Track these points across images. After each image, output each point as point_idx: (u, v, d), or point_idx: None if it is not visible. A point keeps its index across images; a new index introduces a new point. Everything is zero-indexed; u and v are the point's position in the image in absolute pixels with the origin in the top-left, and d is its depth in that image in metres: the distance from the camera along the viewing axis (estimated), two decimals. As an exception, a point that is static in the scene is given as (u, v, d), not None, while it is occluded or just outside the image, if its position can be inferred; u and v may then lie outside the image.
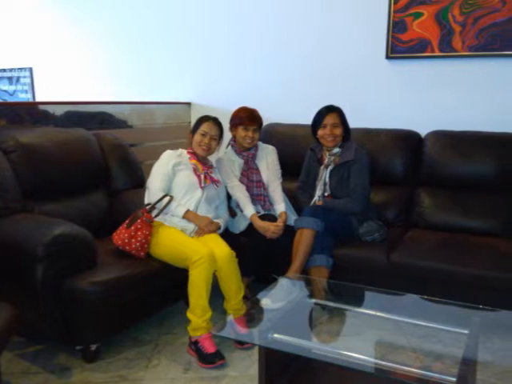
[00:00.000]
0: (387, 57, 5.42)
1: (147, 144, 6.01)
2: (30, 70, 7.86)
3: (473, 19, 4.96)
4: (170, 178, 4.20)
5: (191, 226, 4.14)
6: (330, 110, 4.63)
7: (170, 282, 4.10)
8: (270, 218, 4.53)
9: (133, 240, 3.91)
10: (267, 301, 3.56)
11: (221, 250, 3.94)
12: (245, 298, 4.13)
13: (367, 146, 4.92)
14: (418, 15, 5.17)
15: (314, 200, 4.65)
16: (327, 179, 4.61)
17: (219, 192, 4.44)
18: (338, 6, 5.59)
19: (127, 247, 3.92)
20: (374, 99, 5.59)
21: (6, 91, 8.18)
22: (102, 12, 7.04)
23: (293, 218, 4.65)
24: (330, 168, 4.62)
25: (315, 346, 3.45)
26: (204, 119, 4.34)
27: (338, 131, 4.60)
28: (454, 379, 2.47)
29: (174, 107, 6.54)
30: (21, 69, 7.94)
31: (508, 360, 3.39)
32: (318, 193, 4.63)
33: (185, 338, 3.96)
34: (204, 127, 4.28)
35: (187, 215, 4.12)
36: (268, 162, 4.80)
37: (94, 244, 3.69)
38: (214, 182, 4.36)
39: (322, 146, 4.72)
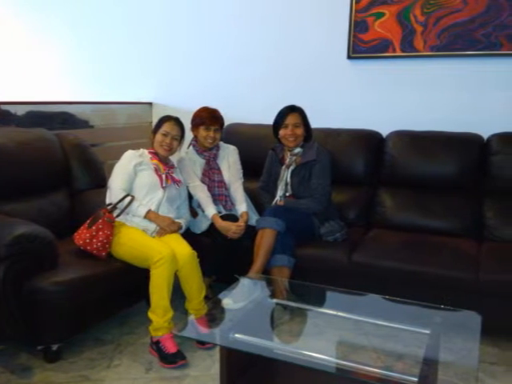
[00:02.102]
0: (349, 57, 5.43)
1: (109, 144, 5.98)
2: (-9, 69, 7.78)
3: (434, 19, 5.00)
4: (132, 177, 4.18)
5: (153, 226, 4.13)
6: (292, 109, 4.64)
7: (132, 282, 4.10)
8: (232, 218, 4.54)
9: (94, 240, 3.90)
10: (228, 301, 3.56)
11: (182, 249, 3.95)
12: (206, 298, 4.14)
13: (329, 146, 4.95)
14: (379, 15, 5.20)
15: (275, 200, 4.66)
16: (288, 179, 4.63)
17: (180, 192, 4.44)
18: (300, 5, 5.60)
19: (88, 247, 3.91)
20: (335, 99, 5.61)
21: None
22: (63, 13, 6.96)
23: (254, 218, 4.68)
24: (291, 168, 4.63)
25: (277, 346, 3.45)
26: (165, 119, 4.34)
27: (300, 131, 4.61)
28: (416, 379, 2.49)
29: (135, 107, 6.51)
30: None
31: (469, 360, 3.41)
32: (280, 193, 4.63)
33: (146, 338, 3.96)
34: (165, 127, 4.28)
35: (149, 215, 4.11)
36: (229, 162, 4.81)
37: (55, 244, 3.67)
38: (176, 181, 4.36)
39: (284, 146, 4.73)
